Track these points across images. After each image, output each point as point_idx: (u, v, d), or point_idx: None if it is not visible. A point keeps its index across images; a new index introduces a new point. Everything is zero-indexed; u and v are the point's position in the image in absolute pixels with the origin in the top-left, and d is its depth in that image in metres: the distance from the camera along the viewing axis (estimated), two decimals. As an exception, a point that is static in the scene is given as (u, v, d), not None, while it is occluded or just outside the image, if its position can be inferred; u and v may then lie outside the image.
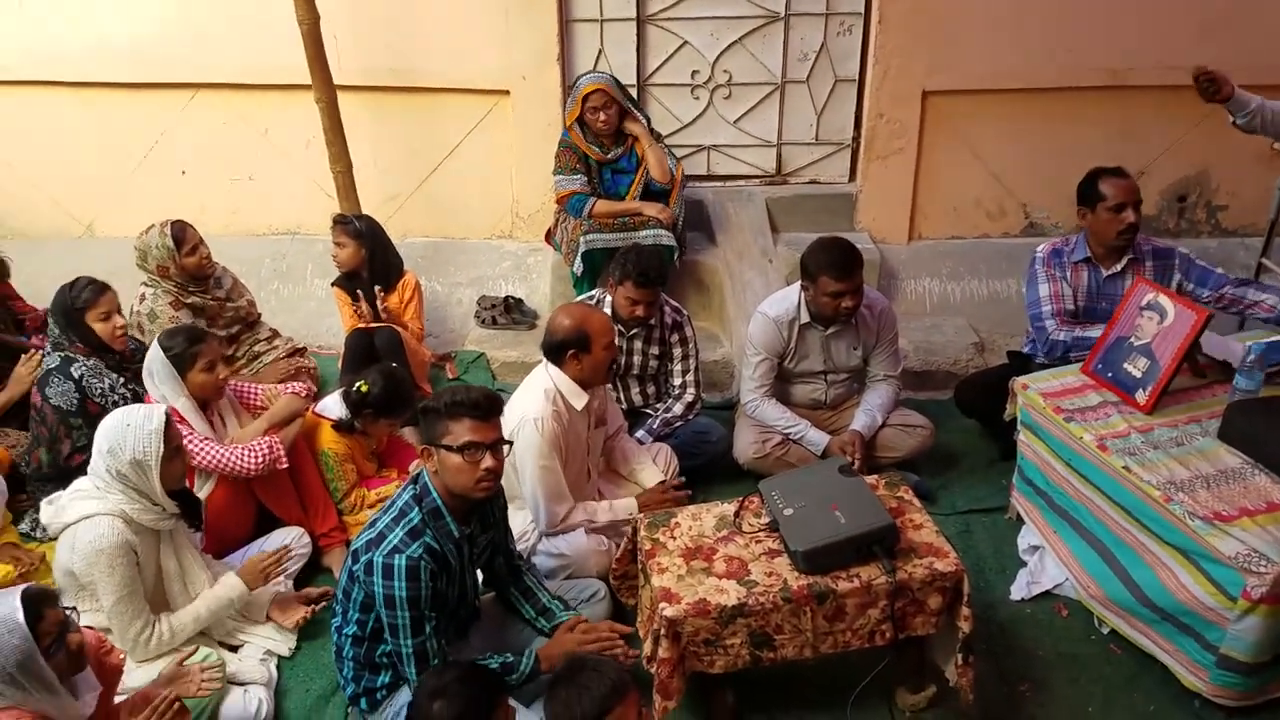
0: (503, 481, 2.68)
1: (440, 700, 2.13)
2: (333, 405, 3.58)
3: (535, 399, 3.10)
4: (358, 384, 3.44)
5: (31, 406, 3.48)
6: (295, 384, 3.67)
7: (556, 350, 3.13)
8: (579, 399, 3.14)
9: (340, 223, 4.29)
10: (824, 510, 2.63)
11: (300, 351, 4.32)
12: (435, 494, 2.52)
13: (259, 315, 4.32)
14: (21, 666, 2.04)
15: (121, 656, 2.60)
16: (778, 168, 5.21)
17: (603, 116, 4.35)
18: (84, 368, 3.42)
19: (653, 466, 3.49)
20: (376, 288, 4.26)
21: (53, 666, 2.11)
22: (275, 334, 4.32)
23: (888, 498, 2.83)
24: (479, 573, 2.85)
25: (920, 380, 4.45)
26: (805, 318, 3.58)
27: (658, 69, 5.00)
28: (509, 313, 4.84)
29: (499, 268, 5.21)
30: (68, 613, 2.21)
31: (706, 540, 2.73)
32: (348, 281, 4.34)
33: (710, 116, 5.10)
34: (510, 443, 2.66)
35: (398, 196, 5.23)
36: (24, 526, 3.43)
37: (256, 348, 4.21)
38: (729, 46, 4.92)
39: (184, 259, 3.89)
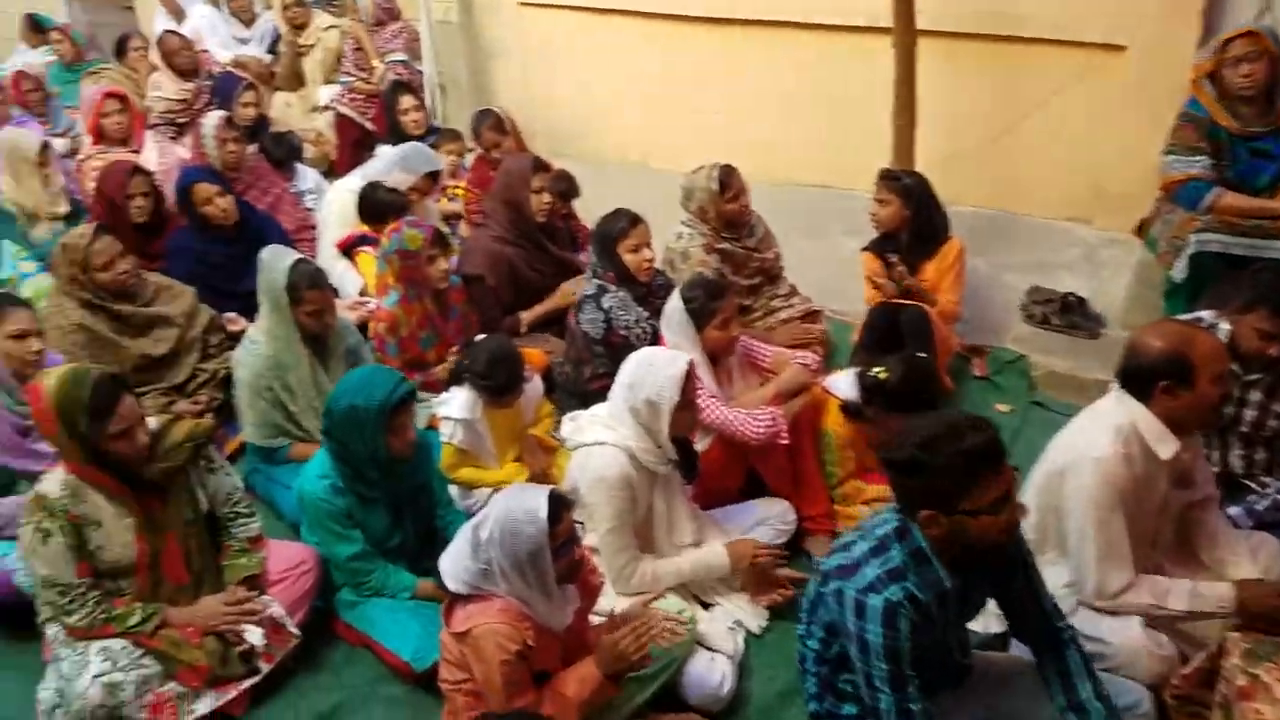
0: (1034, 529, 2.15)
1: None
2: (844, 384, 3.24)
3: (1102, 434, 2.44)
4: (876, 370, 3.08)
5: (567, 324, 3.66)
6: (806, 354, 3.42)
7: (1143, 379, 2.42)
8: (1166, 445, 2.41)
9: (888, 177, 3.93)
10: None
11: (814, 315, 4.09)
12: (920, 534, 2.07)
13: (782, 269, 4.16)
14: (532, 558, 2.16)
15: (601, 579, 2.64)
16: None
17: (1245, 69, 3.38)
18: (614, 299, 3.50)
19: (1249, 562, 2.61)
20: (898, 266, 3.81)
21: (555, 568, 2.21)
22: (794, 291, 4.16)
23: None
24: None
25: None
26: None
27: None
28: (1067, 313, 4.10)
29: (1064, 256, 4.46)
30: (578, 524, 2.31)
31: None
32: (881, 244, 3.98)
33: None
34: (1016, 469, 2.10)
35: (956, 157, 4.67)
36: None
37: (774, 303, 4.09)
38: None
39: (725, 204, 3.87)
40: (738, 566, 2.88)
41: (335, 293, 4.29)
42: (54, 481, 2.52)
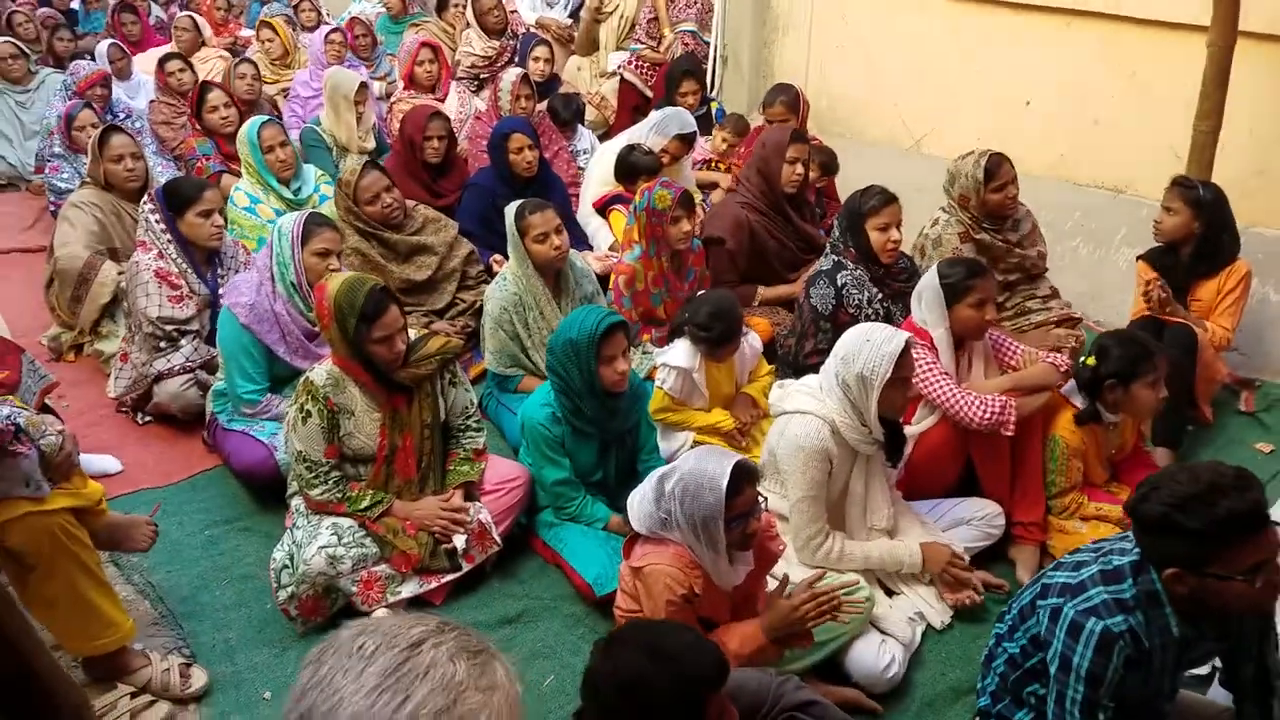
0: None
1: None
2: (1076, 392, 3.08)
3: None
4: (1085, 359, 2.91)
5: (797, 299, 3.68)
6: (1057, 356, 3.22)
7: None
8: None
9: (1181, 184, 3.61)
10: None
11: (1074, 322, 3.84)
12: (1156, 574, 1.93)
13: (1045, 270, 3.93)
14: (705, 522, 2.24)
15: (782, 547, 2.67)
16: None
17: None
18: (849, 277, 3.47)
19: None
20: (1159, 285, 3.49)
21: (728, 536, 2.27)
22: (1054, 294, 3.93)
23: None
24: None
25: None
26: None
27: None
28: (1361, 356, 3.61)
29: (1373, 295, 3.91)
30: (761, 498, 2.33)
31: None
32: (1161, 256, 3.67)
33: None
34: None
35: (1265, 174, 4.20)
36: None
37: (1030, 303, 3.90)
38: None
39: (988, 194, 3.72)
40: (929, 569, 2.83)
41: (588, 245, 4.61)
42: (322, 371, 2.89)
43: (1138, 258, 3.76)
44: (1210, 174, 3.90)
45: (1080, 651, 1.95)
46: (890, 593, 2.86)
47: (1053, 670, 2.02)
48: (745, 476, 2.29)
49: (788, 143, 4.04)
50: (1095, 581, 2.00)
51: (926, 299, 3.07)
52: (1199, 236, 3.56)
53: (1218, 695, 2.26)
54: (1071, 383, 3.10)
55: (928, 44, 5.36)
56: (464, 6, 6.93)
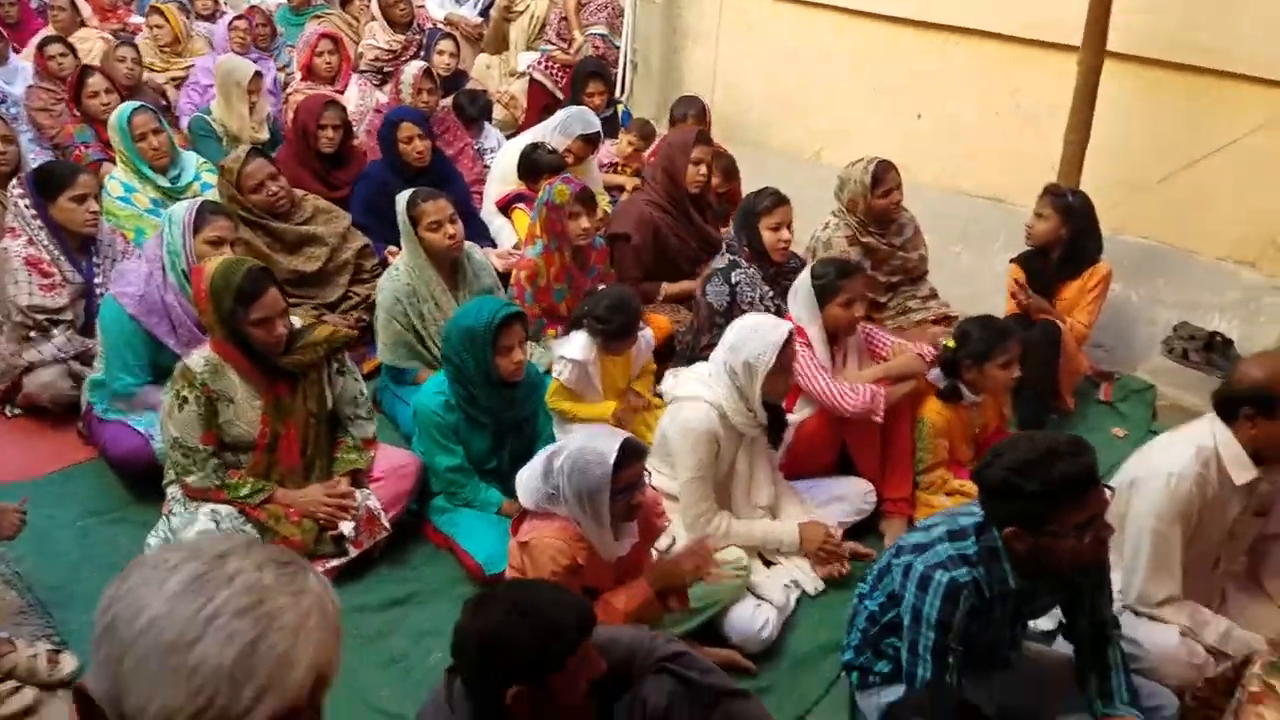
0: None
1: None
2: (937, 373, 3.29)
3: (1182, 453, 2.47)
4: (944, 341, 3.14)
5: (694, 295, 3.78)
6: (923, 346, 3.41)
7: (1230, 404, 2.45)
8: (1243, 472, 2.43)
9: (1051, 193, 3.84)
10: None
11: (951, 320, 4.03)
12: (997, 531, 2.08)
13: (926, 272, 4.13)
14: (591, 494, 2.34)
15: (666, 523, 2.77)
16: None
17: None
18: (742, 275, 3.59)
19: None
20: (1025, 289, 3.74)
21: (612, 508, 2.36)
22: (933, 294, 4.14)
23: None
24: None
25: None
26: None
27: None
28: (1208, 351, 3.92)
29: (1221, 297, 4.22)
30: (644, 473, 2.42)
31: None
32: (1031, 259, 3.90)
33: None
34: (1112, 490, 2.12)
35: (1126, 184, 4.47)
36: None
37: (910, 303, 4.10)
38: None
39: (874, 199, 3.91)
40: (806, 548, 2.97)
41: (492, 242, 4.61)
42: (199, 357, 2.83)
43: (1010, 260, 3.97)
44: (1079, 183, 4.14)
45: (929, 601, 2.10)
46: (769, 564, 2.98)
47: (905, 621, 2.18)
48: (632, 453, 2.37)
49: (693, 143, 4.14)
50: (942, 539, 2.16)
51: (801, 298, 3.22)
52: (1066, 240, 3.77)
53: (1062, 648, 2.42)
54: (937, 370, 3.27)
55: (827, 58, 5.54)
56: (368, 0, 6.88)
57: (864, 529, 3.23)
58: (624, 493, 2.36)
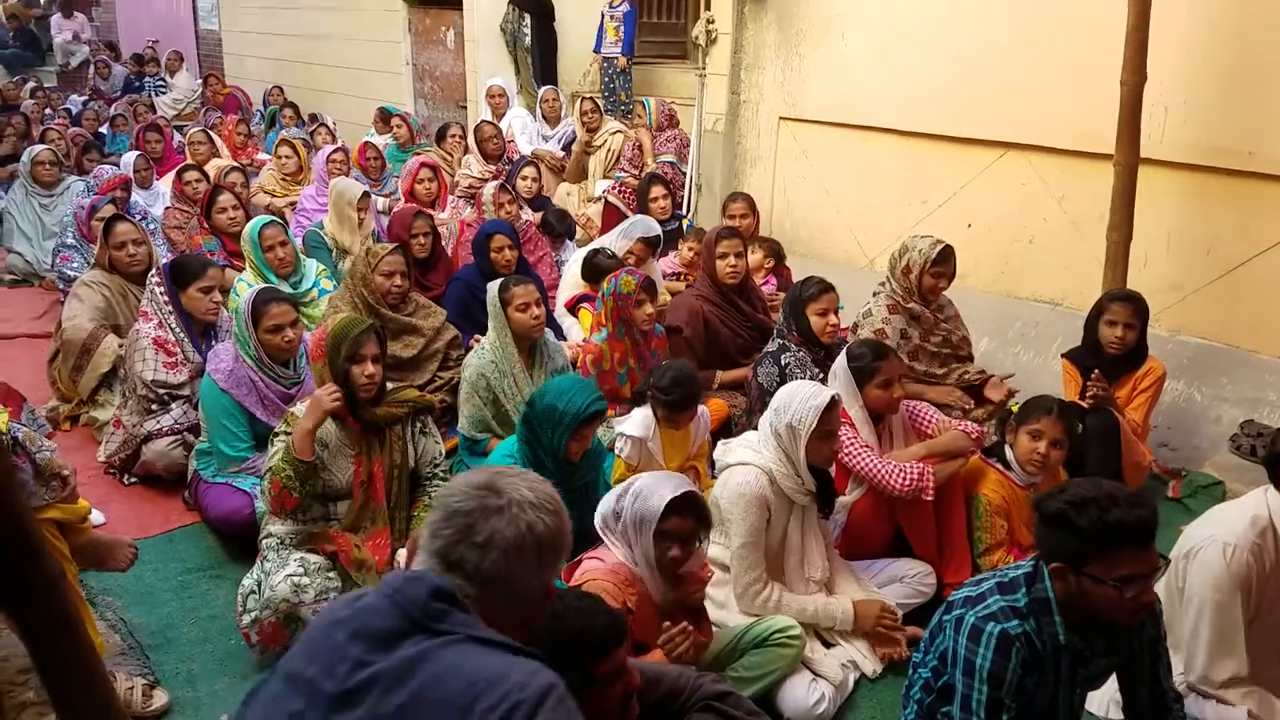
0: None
1: None
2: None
3: (1238, 522, 2.44)
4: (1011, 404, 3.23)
5: (747, 379, 4.00)
6: (968, 423, 3.49)
7: None
8: None
9: (1134, 300, 3.84)
10: None
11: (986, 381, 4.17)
12: (1048, 582, 2.10)
13: (972, 356, 4.28)
14: (640, 523, 2.50)
15: (709, 574, 2.80)
16: None
17: None
18: (792, 357, 3.79)
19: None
20: (1095, 371, 3.79)
21: (657, 550, 2.48)
22: (984, 375, 4.24)
23: None
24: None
25: None
26: None
27: None
28: (1276, 446, 3.85)
29: (1285, 395, 4.22)
30: (697, 539, 2.55)
31: None
32: (1084, 356, 3.96)
33: None
34: (1167, 560, 2.13)
35: (1182, 288, 4.59)
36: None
37: (966, 376, 4.22)
38: None
39: (928, 274, 4.05)
40: (861, 626, 2.98)
41: (564, 338, 4.94)
42: (302, 406, 3.15)
43: (1062, 355, 4.07)
44: (1125, 282, 4.27)
45: (981, 654, 2.08)
46: (828, 645, 3.00)
47: (957, 676, 2.14)
48: (690, 502, 2.48)
49: (717, 240, 4.46)
50: (993, 592, 2.16)
51: (840, 380, 3.32)
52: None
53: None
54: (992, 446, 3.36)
55: (878, 175, 5.89)
56: (461, 137, 7.56)
57: (924, 614, 3.14)
58: (668, 538, 2.46)
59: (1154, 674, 2.24)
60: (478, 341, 4.52)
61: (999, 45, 5.05)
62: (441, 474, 3.38)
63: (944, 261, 4.04)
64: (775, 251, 5.32)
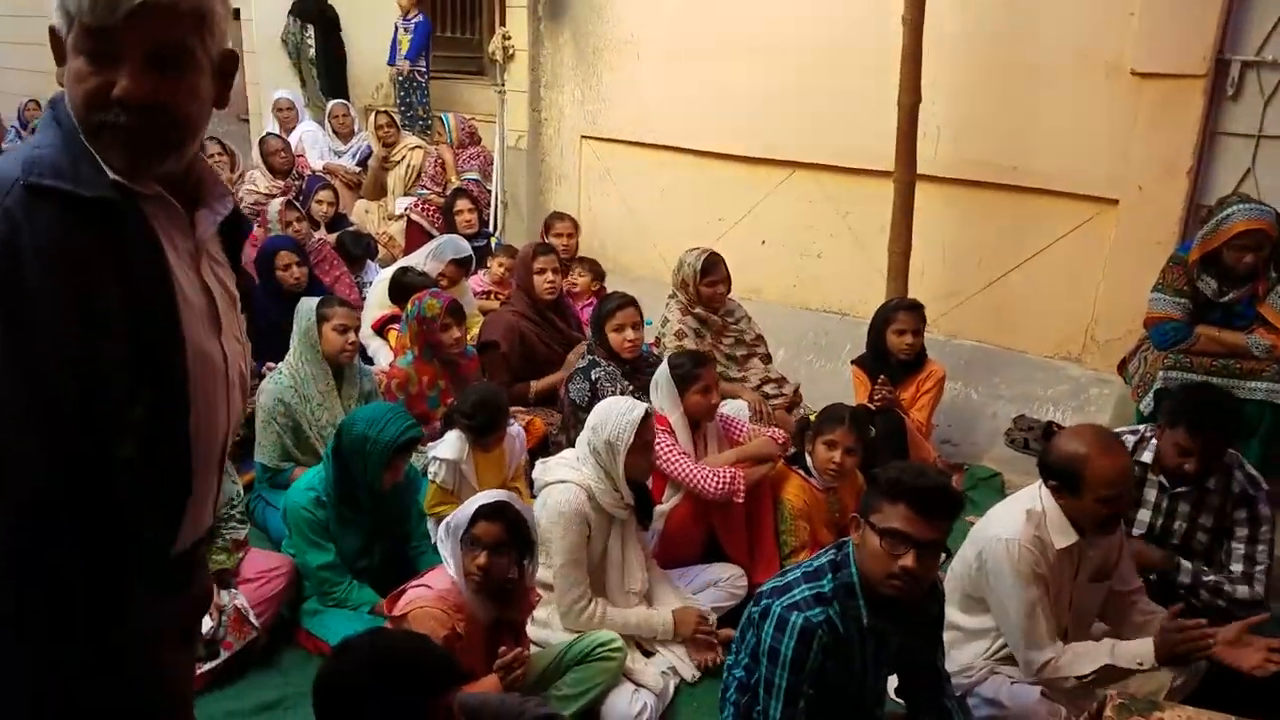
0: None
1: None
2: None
3: (1014, 517, 2.56)
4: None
5: (559, 394, 3.97)
6: (776, 430, 3.63)
7: (1045, 472, 2.58)
8: (1062, 537, 2.51)
9: (917, 308, 4.11)
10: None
11: (781, 381, 4.35)
12: (854, 568, 2.21)
13: (769, 355, 4.45)
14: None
15: (537, 598, 2.83)
16: None
17: (1249, 259, 3.51)
18: (602, 372, 3.80)
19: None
20: (881, 376, 4.03)
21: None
22: (784, 380, 4.41)
23: None
24: (892, 679, 2.47)
25: None
26: None
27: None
28: (1046, 439, 4.24)
29: (1052, 390, 4.65)
30: (503, 540, 2.53)
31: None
32: (871, 361, 4.20)
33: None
34: (949, 552, 2.29)
35: (956, 294, 4.98)
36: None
37: (766, 388, 4.33)
38: None
39: (701, 285, 4.20)
40: (680, 633, 3.04)
41: (370, 360, 4.74)
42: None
43: (852, 362, 4.29)
44: (906, 291, 4.57)
45: (785, 642, 2.15)
46: (647, 654, 3.03)
47: (762, 661, 2.22)
48: (500, 510, 2.50)
49: (533, 256, 4.46)
50: (799, 581, 2.24)
51: (662, 388, 3.40)
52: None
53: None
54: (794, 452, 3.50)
55: (676, 193, 6.06)
56: (221, 153, 6.99)
57: (737, 615, 3.19)
58: (476, 544, 2.48)
59: (935, 662, 2.39)
60: (270, 369, 4.27)
61: (787, 68, 5.28)
62: (238, 515, 3.15)
63: (713, 270, 4.19)
64: (597, 273, 5.35)
